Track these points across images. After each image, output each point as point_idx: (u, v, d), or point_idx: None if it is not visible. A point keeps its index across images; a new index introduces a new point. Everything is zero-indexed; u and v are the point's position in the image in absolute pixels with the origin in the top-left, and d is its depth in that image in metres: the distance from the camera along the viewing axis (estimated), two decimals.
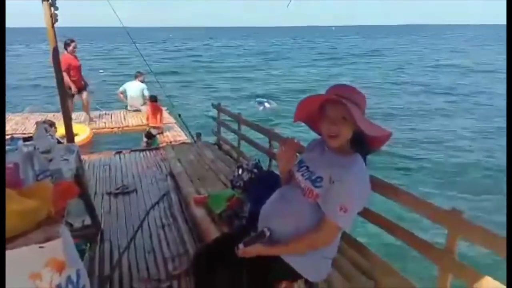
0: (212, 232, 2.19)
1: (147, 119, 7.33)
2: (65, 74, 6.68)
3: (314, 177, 1.58)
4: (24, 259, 1.45)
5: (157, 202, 3.78)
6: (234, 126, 4.26)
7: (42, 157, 2.01)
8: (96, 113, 8.65)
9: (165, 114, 8.74)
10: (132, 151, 5.92)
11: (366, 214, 1.89)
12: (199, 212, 2.48)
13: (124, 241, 3.08)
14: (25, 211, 1.54)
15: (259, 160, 3.09)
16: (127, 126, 7.90)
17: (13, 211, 1.52)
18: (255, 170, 2.58)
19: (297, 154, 1.76)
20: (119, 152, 5.74)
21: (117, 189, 4.18)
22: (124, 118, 8.33)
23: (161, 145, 6.47)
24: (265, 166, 3.29)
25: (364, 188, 1.55)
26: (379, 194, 1.83)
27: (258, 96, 15.49)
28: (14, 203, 1.53)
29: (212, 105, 5.01)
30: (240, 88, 18.37)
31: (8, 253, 1.43)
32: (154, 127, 7.18)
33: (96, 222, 3.27)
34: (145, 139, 7.17)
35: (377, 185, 1.77)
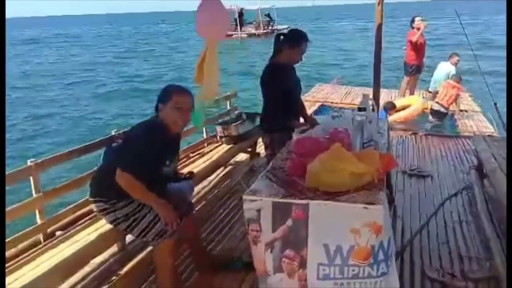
0: None
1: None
2: (408, 49, 7.32)
3: None
4: (349, 214, 1.63)
5: (455, 194, 3.50)
6: None
7: (368, 127, 2.19)
8: None
9: (468, 100, 7.84)
10: (427, 134, 5.69)
11: None
12: None
13: (416, 224, 3.05)
14: (356, 173, 1.73)
15: None
16: (426, 108, 7.58)
17: (346, 170, 1.73)
18: None
19: None
20: (415, 133, 5.64)
21: (412, 170, 4.14)
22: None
23: (461, 134, 5.90)
24: None
25: None
26: None
27: None
28: (349, 164, 1.74)
29: None
30: None
31: (335, 205, 1.65)
32: (438, 104, 6.64)
33: (392, 196, 3.37)
34: (430, 120, 6.81)
35: None
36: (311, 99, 8.52)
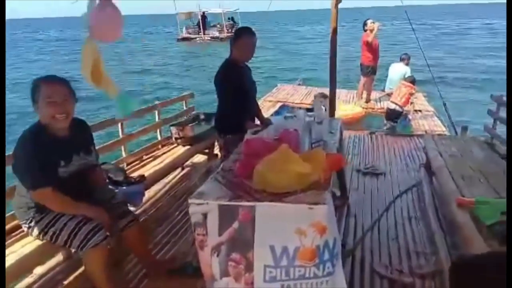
0: (476, 243, 1.89)
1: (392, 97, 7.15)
2: (363, 51, 7.47)
3: None
4: (294, 215, 1.63)
5: (406, 191, 3.61)
6: None
7: (317, 128, 2.21)
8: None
9: (423, 100, 8.16)
10: (385, 134, 5.87)
11: None
12: (461, 216, 2.19)
13: (368, 221, 3.11)
14: (302, 173, 1.73)
15: None
16: (381, 108, 7.82)
17: (293, 171, 1.73)
18: None
19: None
20: (372, 133, 5.80)
21: (367, 168, 4.24)
22: (380, 100, 8.28)
23: (415, 133, 6.13)
24: None
25: None
26: None
27: None
28: (296, 164, 1.74)
29: (491, 96, 4.28)
30: None
31: (281, 207, 1.65)
32: (394, 103, 6.90)
33: (345, 195, 3.44)
34: (385, 122, 7.05)
35: None
36: (272, 99, 8.58)
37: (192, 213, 1.71)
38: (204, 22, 31.38)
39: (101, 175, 2.35)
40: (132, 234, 2.26)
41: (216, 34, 31.00)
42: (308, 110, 2.11)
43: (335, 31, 4.39)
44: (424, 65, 6.05)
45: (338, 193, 3.42)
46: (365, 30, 7.44)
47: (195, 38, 31.81)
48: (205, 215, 1.70)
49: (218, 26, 31.89)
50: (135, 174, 3.16)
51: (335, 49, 4.52)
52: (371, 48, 7.41)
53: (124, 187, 2.61)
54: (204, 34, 31.14)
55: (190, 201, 1.71)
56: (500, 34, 29.01)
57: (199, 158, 4.41)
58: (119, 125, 3.34)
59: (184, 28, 32.97)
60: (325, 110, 2.59)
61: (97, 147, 3.23)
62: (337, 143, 2.66)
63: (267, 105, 8.10)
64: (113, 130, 3.71)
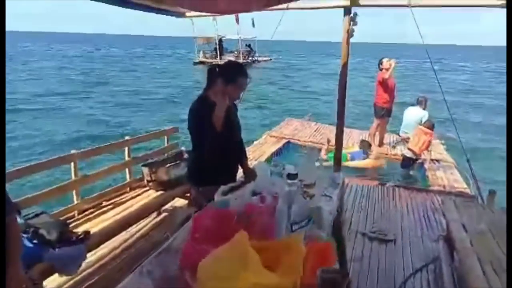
0: None
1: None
2: (379, 91, 7.02)
3: None
4: None
5: (421, 269, 2.94)
6: None
7: (302, 198, 1.61)
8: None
9: (441, 149, 7.45)
10: (395, 186, 5.19)
11: None
12: None
13: None
14: (263, 285, 1.13)
15: None
16: (395, 154, 7.16)
17: (247, 280, 1.13)
18: None
19: None
20: (383, 184, 5.13)
21: (373, 232, 3.57)
22: (395, 145, 7.62)
23: (432, 187, 5.42)
24: None
25: None
26: None
27: None
28: (253, 272, 1.14)
29: None
30: None
31: None
32: (411, 150, 6.27)
33: (345, 269, 2.77)
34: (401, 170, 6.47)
35: None
36: (277, 135, 8.00)
37: None
38: (221, 47, 31.73)
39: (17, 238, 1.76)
40: None
41: (233, 60, 31.06)
42: (289, 176, 1.50)
43: (345, 66, 3.91)
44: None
45: (336, 265, 2.77)
46: (381, 69, 6.93)
47: (211, 62, 32.14)
48: None
49: (236, 52, 32.17)
50: (86, 226, 2.58)
51: (344, 85, 4.02)
52: (387, 88, 6.87)
53: (56, 250, 2.02)
54: (220, 59, 31.39)
55: None
56: None
57: (180, 201, 3.81)
58: (71, 164, 2.78)
59: (201, 52, 33.39)
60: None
61: (41, 191, 2.73)
62: (335, 212, 2.05)
63: (271, 141, 7.54)
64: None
